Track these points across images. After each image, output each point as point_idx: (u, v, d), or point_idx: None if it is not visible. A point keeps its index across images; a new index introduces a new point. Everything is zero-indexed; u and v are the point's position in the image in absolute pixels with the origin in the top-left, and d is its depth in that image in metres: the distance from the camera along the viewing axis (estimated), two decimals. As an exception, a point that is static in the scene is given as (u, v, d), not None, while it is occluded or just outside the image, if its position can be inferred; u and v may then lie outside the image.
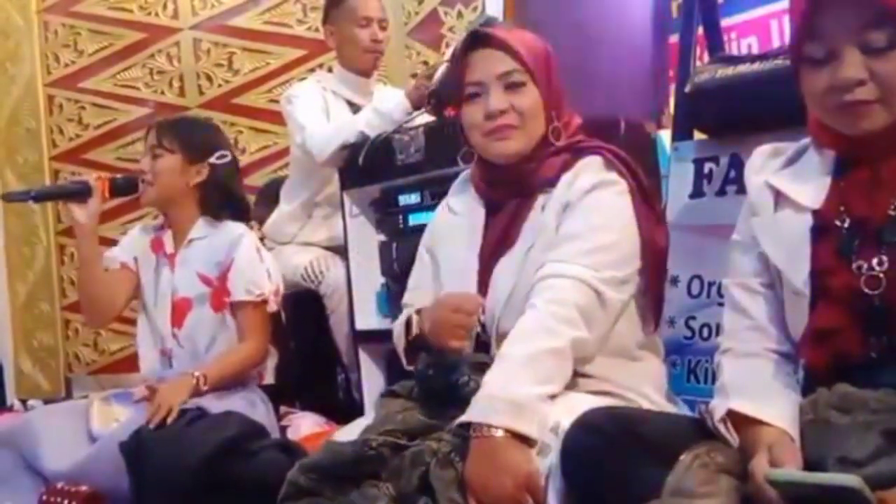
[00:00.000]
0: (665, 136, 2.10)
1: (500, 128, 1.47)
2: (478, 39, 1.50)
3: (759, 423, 1.11)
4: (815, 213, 1.19)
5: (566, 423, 1.21)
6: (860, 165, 1.18)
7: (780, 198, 1.23)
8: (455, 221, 1.58)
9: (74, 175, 4.21)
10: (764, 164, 1.29)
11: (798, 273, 1.17)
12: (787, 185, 1.23)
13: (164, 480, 1.71)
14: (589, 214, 1.40)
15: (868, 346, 1.12)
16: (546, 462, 1.23)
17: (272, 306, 2.10)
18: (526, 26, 2.00)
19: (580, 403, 1.28)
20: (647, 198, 1.45)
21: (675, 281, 1.85)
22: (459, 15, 3.37)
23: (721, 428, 1.15)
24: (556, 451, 1.21)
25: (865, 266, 1.13)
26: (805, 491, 0.98)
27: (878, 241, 1.13)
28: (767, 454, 1.06)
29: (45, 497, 1.80)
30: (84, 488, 1.79)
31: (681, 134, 1.90)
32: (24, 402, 3.79)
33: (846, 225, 1.16)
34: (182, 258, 2.12)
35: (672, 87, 2.31)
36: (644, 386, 1.44)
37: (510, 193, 1.51)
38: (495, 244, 1.49)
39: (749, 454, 1.09)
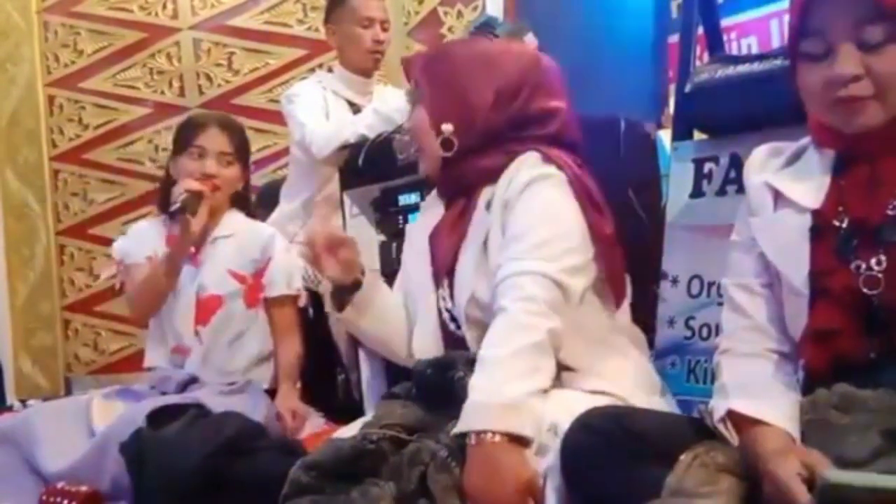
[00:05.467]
0: (665, 136, 2.10)
1: (414, 149, 1.60)
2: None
3: (760, 422, 1.11)
4: (814, 213, 1.18)
5: (564, 422, 1.22)
6: (859, 164, 1.18)
7: (779, 198, 1.23)
8: (420, 220, 1.65)
9: (74, 175, 4.22)
10: (763, 163, 1.28)
11: (797, 273, 1.17)
12: (786, 185, 1.23)
13: (164, 481, 1.71)
14: (531, 210, 1.42)
15: (867, 346, 1.12)
16: (544, 462, 1.23)
17: (302, 301, 2.18)
18: (526, 26, 2.00)
19: (576, 402, 1.29)
20: (587, 188, 1.46)
21: (674, 281, 1.84)
22: (459, 15, 3.37)
23: (721, 428, 1.15)
24: (554, 451, 1.22)
25: (864, 266, 1.12)
26: (855, 495, 0.92)
27: (877, 240, 1.13)
28: (795, 458, 1.03)
29: (44, 497, 1.80)
30: (84, 488, 1.78)
31: (681, 134, 1.90)
32: (23, 402, 3.79)
33: (845, 225, 1.16)
34: (208, 256, 2.12)
35: (672, 87, 2.32)
36: (634, 383, 1.45)
37: (454, 192, 1.57)
38: (445, 236, 1.54)
39: (749, 454, 1.09)
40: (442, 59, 1.55)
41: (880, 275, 1.11)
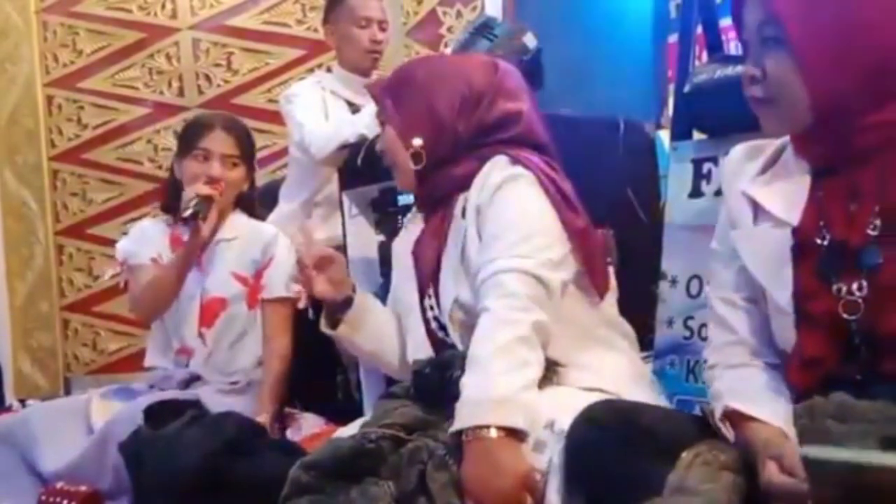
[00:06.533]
0: (664, 136, 2.10)
1: (390, 167, 1.61)
2: None
3: (756, 420, 1.11)
4: (795, 231, 1.15)
5: (561, 419, 1.23)
6: (837, 174, 1.15)
7: (758, 209, 1.21)
8: (404, 236, 1.68)
9: (73, 175, 4.22)
10: (740, 167, 1.26)
11: (781, 292, 1.15)
12: (764, 195, 1.20)
13: (164, 480, 1.70)
14: (504, 211, 1.44)
15: (853, 369, 1.10)
16: (543, 459, 1.24)
17: (303, 303, 2.14)
18: (526, 26, 2.00)
19: (573, 399, 1.29)
20: (557, 185, 1.48)
21: (673, 281, 1.85)
22: (459, 15, 3.37)
23: (722, 428, 1.15)
24: (553, 448, 1.22)
25: (845, 289, 1.10)
26: (838, 472, 0.91)
27: (858, 264, 1.10)
28: (775, 460, 1.04)
29: (44, 497, 1.80)
30: (83, 488, 1.79)
31: (680, 134, 1.90)
32: (22, 402, 3.78)
33: (826, 243, 1.13)
34: (211, 259, 2.11)
35: (671, 87, 2.32)
36: (628, 378, 1.46)
37: (431, 203, 1.60)
38: (426, 246, 1.57)
39: (748, 451, 1.09)
40: (403, 78, 1.60)
41: (860, 300, 1.09)
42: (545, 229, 1.43)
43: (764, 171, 1.23)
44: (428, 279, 1.55)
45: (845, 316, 1.10)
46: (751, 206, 1.21)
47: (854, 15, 1.08)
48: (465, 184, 1.52)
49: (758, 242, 1.19)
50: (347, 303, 1.65)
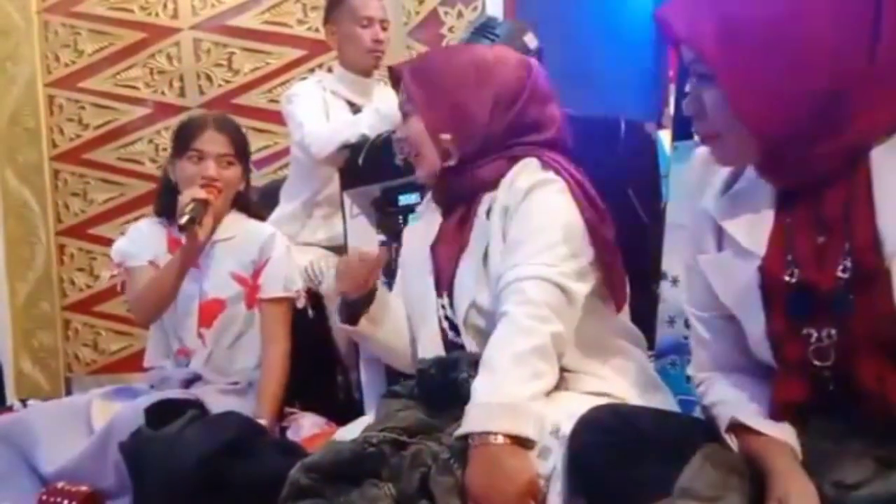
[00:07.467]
0: (664, 136, 2.10)
1: (407, 156, 1.58)
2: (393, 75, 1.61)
3: (762, 434, 1.09)
4: (762, 267, 1.10)
5: (566, 425, 1.22)
6: (803, 198, 1.09)
7: (723, 234, 1.17)
8: (418, 226, 1.65)
9: (74, 175, 4.22)
10: (704, 177, 1.21)
11: (754, 325, 1.12)
12: (728, 220, 1.15)
13: (164, 480, 1.71)
14: (532, 216, 1.42)
15: (833, 411, 1.08)
16: (547, 465, 1.23)
17: (301, 302, 2.14)
18: (526, 26, 2.00)
19: (578, 404, 1.28)
20: (588, 194, 1.46)
21: (674, 281, 1.84)
22: (459, 15, 3.36)
23: (728, 439, 1.13)
24: (557, 453, 1.22)
25: (815, 335, 1.06)
26: None
27: (828, 307, 1.05)
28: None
29: (44, 497, 1.80)
30: (84, 488, 1.79)
31: (680, 134, 1.90)
32: (23, 402, 3.78)
33: (794, 280, 1.08)
34: (208, 260, 2.10)
35: (671, 87, 2.32)
36: (635, 384, 1.45)
37: (453, 199, 1.56)
38: (447, 245, 1.53)
39: (754, 463, 1.07)
40: (434, 69, 1.54)
41: (830, 347, 1.05)
42: (571, 238, 1.41)
43: (728, 186, 1.18)
44: (445, 281, 1.53)
45: (816, 363, 1.06)
46: (715, 227, 1.18)
47: (782, 53, 1.02)
48: (492, 185, 1.49)
49: (725, 272, 1.15)
50: (369, 298, 1.62)
